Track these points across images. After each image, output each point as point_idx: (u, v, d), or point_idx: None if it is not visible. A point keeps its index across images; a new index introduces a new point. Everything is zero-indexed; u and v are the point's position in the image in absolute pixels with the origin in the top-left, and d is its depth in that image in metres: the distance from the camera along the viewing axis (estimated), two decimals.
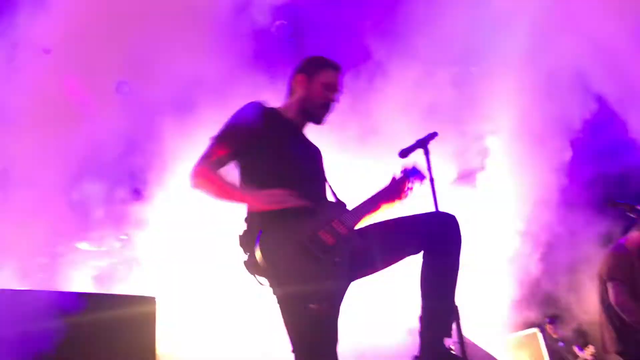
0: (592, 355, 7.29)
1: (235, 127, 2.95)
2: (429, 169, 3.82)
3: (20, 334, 1.77)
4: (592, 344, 7.51)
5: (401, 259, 2.97)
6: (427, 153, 3.90)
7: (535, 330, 7.35)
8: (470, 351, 3.55)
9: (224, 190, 2.86)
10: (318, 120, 3.17)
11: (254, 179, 2.94)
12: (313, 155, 3.17)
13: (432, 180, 3.83)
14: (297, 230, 2.70)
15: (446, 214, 3.04)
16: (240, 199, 2.87)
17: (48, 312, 1.92)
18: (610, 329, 4.68)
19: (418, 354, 2.81)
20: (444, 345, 2.82)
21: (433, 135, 3.94)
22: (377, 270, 2.99)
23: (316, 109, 3.13)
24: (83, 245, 6.81)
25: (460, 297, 3.20)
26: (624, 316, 4.52)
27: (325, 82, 3.09)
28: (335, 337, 2.74)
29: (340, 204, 3.10)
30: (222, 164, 2.96)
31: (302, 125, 3.21)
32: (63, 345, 1.91)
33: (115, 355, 1.87)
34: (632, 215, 4.73)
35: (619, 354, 4.63)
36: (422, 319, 2.87)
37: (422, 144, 3.94)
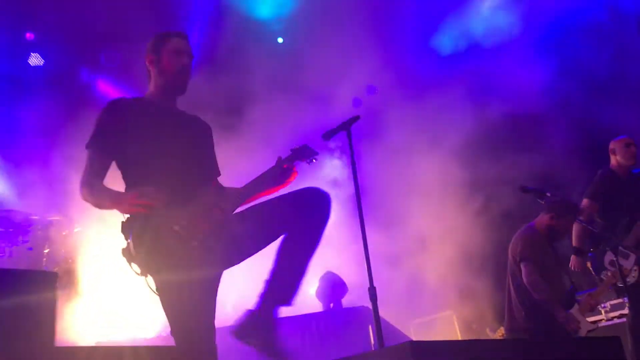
0: (501, 335, 7.65)
1: (100, 129, 2.89)
2: (352, 151, 3.84)
3: None
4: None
5: (276, 238, 2.94)
6: (349, 135, 3.91)
7: (450, 312, 7.62)
8: (386, 332, 3.63)
9: (100, 202, 2.82)
10: (181, 89, 3.05)
11: (129, 177, 2.91)
12: (189, 134, 3.04)
13: (353, 163, 3.86)
14: (172, 218, 2.64)
15: (317, 190, 3.00)
16: (111, 207, 2.77)
17: None
18: (520, 308, 4.89)
19: (254, 310, 2.86)
20: (273, 312, 2.89)
21: (356, 118, 3.95)
22: (255, 252, 2.96)
23: (174, 79, 3.01)
24: None
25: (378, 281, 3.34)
26: (534, 295, 4.74)
27: (172, 49, 3.00)
28: (211, 322, 2.79)
29: (220, 189, 3.10)
30: (104, 169, 2.90)
31: (171, 103, 3.08)
32: None
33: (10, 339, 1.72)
34: (541, 201, 4.96)
35: (528, 331, 4.85)
36: (268, 282, 2.90)
37: (345, 126, 3.95)
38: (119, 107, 2.95)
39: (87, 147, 2.90)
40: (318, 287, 6.77)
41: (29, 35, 7.89)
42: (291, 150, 3.24)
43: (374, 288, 3.67)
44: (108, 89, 8.33)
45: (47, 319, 1.80)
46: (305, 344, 5.70)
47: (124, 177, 2.93)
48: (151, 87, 3.07)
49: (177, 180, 2.82)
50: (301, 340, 5.73)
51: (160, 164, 2.83)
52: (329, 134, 4.01)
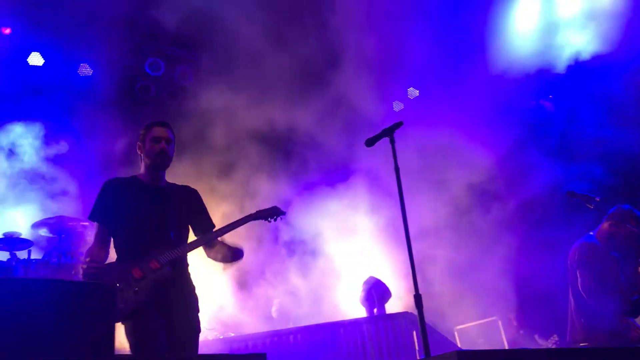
0: (554, 343, 7.46)
1: (97, 204, 3.76)
2: (395, 157, 3.83)
3: None
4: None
5: None
6: (392, 142, 3.90)
7: (494, 318, 7.48)
8: (431, 339, 3.59)
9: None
10: (162, 167, 3.83)
11: (115, 242, 3.76)
12: (167, 205, 3.78)
13: (397, 169, 3.85)
14: (121, 269, 3.55)
15: None
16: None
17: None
18: (579, 317, 4.76)
19: None
20: None
21: (399, 124, 3.94)
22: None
23: (154, 160, 3.78)
24: None
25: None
26: (589, 302, 4.61)
27: (153, 137, 3.80)
28: (159, 349, 3.46)
29: (169, 243, 3.71)
30: (105, 239, 3.74)
31: (155, 180, 3.85)
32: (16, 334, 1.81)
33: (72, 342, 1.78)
34: (590, 206, 4.82)
35: (588, 339, 4.72)
36: None
37: (388, 132, 3.94)
38: (113, 185, 3.80)
39: (89, 219, 3.79)
40: (361, 293, 6.75)
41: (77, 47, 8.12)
42: (257, 210, 4.05)
43: (420, 295, 3.66)
44: (154, 95, 8.55)
45: (106, 330, 1.85)
46: (350, 350, 5.70)
47: (114, 244, 3.75)
48: (141, 168, 3.86)
49: (150, 242, 3.64)
50: (345, 346, 5.72)
51: (137, 231, 3.67)
52: (372, 140, 4.02)
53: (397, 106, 9.23)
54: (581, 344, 4.70)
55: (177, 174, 4.21)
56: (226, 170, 7.96)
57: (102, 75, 8.19)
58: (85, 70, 8.20)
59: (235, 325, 7.15)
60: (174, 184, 3.95)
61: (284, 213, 4.11)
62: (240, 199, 7.55)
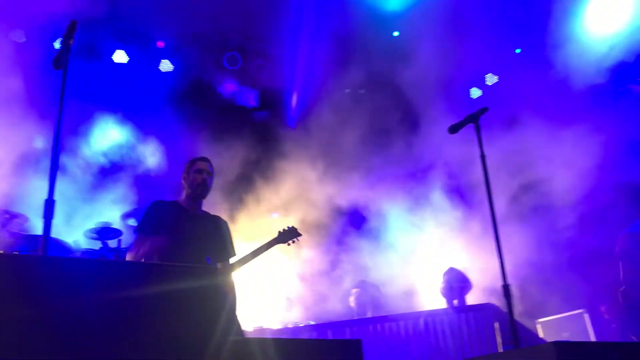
0: None
1: (144, 221, 4.21)
2: (481, 144, 3.73)
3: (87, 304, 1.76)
4: None
5: None
6: (478, 128, 3.81)
7: (581, 311, 7.17)
8: (518, 331, 3.50)
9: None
10: (201, 196, 4.35)
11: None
12: (201, 231, 4.22)
13: (483, 156, 3.75)
14: None
15: None
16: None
17: (118, 283, 1.92)
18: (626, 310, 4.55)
19: None
20: None
21: (484, 110, 3.84)
22: None
23: (195, 189, 4.30)
24: None
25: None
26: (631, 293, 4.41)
27: (196, 169, 4.32)
28: None
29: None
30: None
31: (194, 207, 4.33)
32: (131, 318, 1.89)
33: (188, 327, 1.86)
34: None
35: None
36: None
37: (473, 118, 3.85)
38: (158, 207, 4.25)
39: (137, 232, 4.22)
40: (442, 284, 6.65)
41: (159, 44, 8.42)
42: (278, 232, 4.72)
43: (508, 285, 3.56)
44: (231, 90, 8.73)
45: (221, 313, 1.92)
46: (430, 340, 5.64)
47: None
48: (183, 195, 4.34)
49: (183, 259, 3.97)
50: (425, 337, 5.67)
51: (176, 253, 4.00)
52: (456, 127, 3.93)
53: (475, 93, 9.01)
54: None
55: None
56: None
57: (182, 71, 8.47)
58: (167, 66, 8.50)
59: (314, 314, 7.24)
60: (208, 213, 4.42)
61: (300, 234, 4.84)
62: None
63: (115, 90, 8.09)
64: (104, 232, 6.52)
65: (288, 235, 4.75)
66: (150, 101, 8.17)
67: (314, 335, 5.81)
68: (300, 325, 6.44)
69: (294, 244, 4.88)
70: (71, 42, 3.26)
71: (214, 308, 1.89)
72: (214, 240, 4.30)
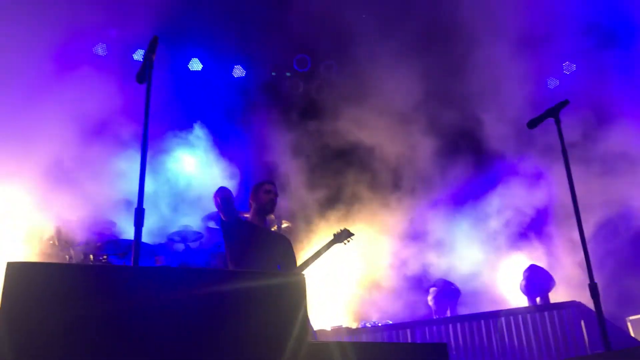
0: None
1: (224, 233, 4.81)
2: (562, 139, 3.62)
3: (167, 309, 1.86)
4: None
5: None
6: (558, 122, 3.70)
7: None
8: (610, 331, 3.37)
9: None
10: (268, 212, 4.96)
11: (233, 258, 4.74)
12: (269, 245, 4.76)
13: (564, 152, 3.64)
14: None
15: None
16: None
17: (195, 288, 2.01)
18: None
19: None
20: None
21: (564, 103, 3.72)
22: None
23: (265, 206, 4.88)
24: None
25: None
26: None
27: (265, 190, 4.90)
28: None
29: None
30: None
31: (262, 222, 4.91)
32: (210, 321, 1.97)
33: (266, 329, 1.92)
34: None
35: None
36: None
37: (553, 112, 3.73)
38: (235, 221, 4.75)
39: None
40: (522, 281, 6.47)
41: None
42: (333, 235, 5.26)
43: (595, 284, 3.45)
44: (302, 91, 8.86)
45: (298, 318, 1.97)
46: (511, 340, 5.49)
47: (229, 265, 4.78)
48: (252, 213, 4.89)
49: (253, 266, 4.56)
50: (507, 336, 5.53)
51: (252, 263, 4.56)
52: (535, 122, 3.83)
53: (552, 83, 8.69)
54: None
55: None
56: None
57: (254, 75, 8.67)
58: (239, 71, 8.72)
59: (392, 313, 7.22)
60: (271, 229, 5.19)
61: (353, 234, 5.32)
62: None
63: (191, 97, 8.37)
64: (186, 235, 6.78)
65: (343, 236, 5.27)
66: (225, 106, 8.40)
67: (392, 334, 5.81)
68: (379, 324, 6.45)
69: (349, 243, 5.35)
70: (153, 56, 3.42)
71: (291, 311, 1.95)
72: (281, 251, 4.87)
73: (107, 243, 6.20)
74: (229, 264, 4.78)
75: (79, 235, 6.02)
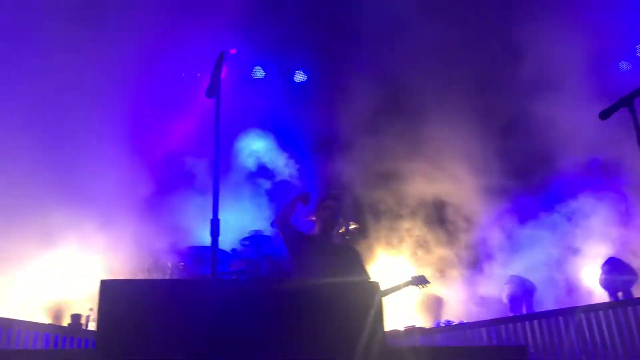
0: None
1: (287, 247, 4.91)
2: (637, 127, 3.47)
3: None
4: None
5: None
6: (633, 111, 3.54)
7: None
8: None
9: None
10: (332, 227, 4.93)
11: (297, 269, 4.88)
12: (333, 259, 4.72)
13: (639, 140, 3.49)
14: None
15: None
16: None
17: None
18: None
19: None
20: None
21: (638, 92, 3.56)
22: None
23: (325, 224, 4.90)
24: None
25: None
26: None
27: (325, 206, 4.95)
28: None
29: None
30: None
31: (326, 238, 4.89)
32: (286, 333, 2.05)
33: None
34: None
35: None
36: None
37: (626, 101, 3.59)
38: (299, 235, 4.92)
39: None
40: (601, 275, 6.23)
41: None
42: (411, 277, 5.68)
43: None
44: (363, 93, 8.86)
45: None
46: (594, 337, 5.28)
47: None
48: (316, 229, 4.96)
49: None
50: (587, 334, 5.32)
51: (308, 275, 4.63)
52: (608, 112, 3.69)
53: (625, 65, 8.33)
54: None
55: None
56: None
57: (315, 79, 8.78)
58: (300, 76, 8.85)
59: (466, 311, 7.14)
60: (339, 242, 5.11)
61: (429, 282, 5.76)
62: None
63: (255, 105, 8.57)
64: (257, 240, 6.96)
65: (419, 281, 5.70)
66: (289, 111, 8.55)
67: (467, 333, 5.73)
68: (453, 322, 6.37)
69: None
70: (221, 72, 3.55)
71: (363, 318, 2.00)
72: (345, 266, 4.86)
73: (185, 249, 6.49)
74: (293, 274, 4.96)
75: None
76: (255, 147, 8.35)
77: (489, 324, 5.72)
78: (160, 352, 1.78)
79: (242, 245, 7.14)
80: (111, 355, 1.73)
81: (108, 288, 1.81)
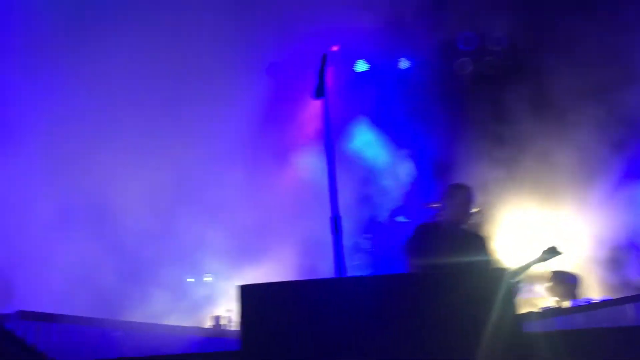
0: None
1: (411, 245, 4.64)
2: None
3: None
4: None
5: None
6: None
7: None
8: None
9: None
10: (462, 223, 4.71)
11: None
12: (462, 248, 4.51)
13: None
14: None
15: None
16: None
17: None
18: None
19: None
20: None
21: None
22: None
23: (458, 217, 4.69)
24: None
25: None
26: None
27: (459, 197, 4.69)
28: None
29: None
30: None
31: (455, 227, 4.66)
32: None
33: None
34: None
35: None
36: None
37: None
38: (422, 230, 4.70)
39: (404, 254, 4.64)
40: None
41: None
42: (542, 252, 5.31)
43: None
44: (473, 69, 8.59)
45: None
46: None
47: None
48: (445, 215, 4.70)
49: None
50: None
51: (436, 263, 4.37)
52: None
53: None
54: None
55: None
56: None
57: (420, 64, 8.64)
58: (404, 63, 8.75)
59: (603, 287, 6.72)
60: (468, 231, 4.81)
61: (561, 252, 5.27)
62: None
63: (363, 99, 8.59)
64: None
65: (551, 252, 5.35)
66: (397, 100, 8.49)
67: (610, 312, 5.36)
68: (593, 300, 6.01)
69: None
70: (326, 72, 3.64)
71: (492, 302, 1.98)
72: (472, 254, 4.66)
73: None
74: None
75: None
76: (367, 141, 8.36)
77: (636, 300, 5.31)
78: (305, 351, 1.87)
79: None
80: (258, 356, 1.84)
81: (247, 292, 1.94)
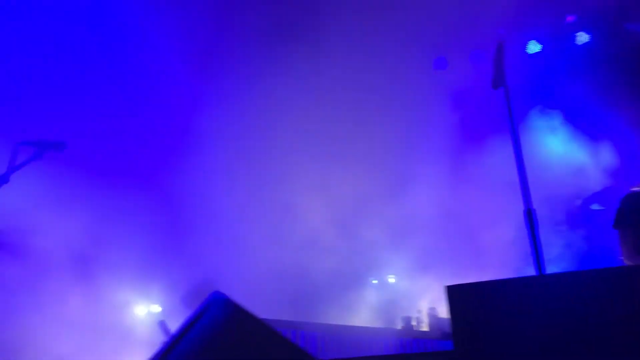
0: None
1: (621, 213, 3.85)
2: None
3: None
4: None
5: None
6: None
7: None
8: None
9: None
10: None
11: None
12: None
13: None
14: None
15: None
16: None
17: None
18: None
19: None
20: None
21: None
22: None
23: None
24: None
25: None
26: None
27: None
28: None
29: None
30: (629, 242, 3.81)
31: None
32: None
33: None
34: None
35: None
36: None
37: None
38: (631, 200, 3.90)
39: (613, 227, 3.86)
40: None
41: (569, 18, 8.13)
42: None
43: None
44: None
45: None
46: None
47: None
48: None
49: None
50: None
51: None
52: None
53: None
54: None
55: None
56: None
57: (599, 37, 7.93)
58: (582, 37, 8.08)
59: None
60: None
61: None
62: None
63: (540, 83, 8.10)
64: None
65: None
66: (577, 80, 7.87)
67: None
68: None
69: None
70: (503, 61, 3.48)
71: None
72: None
73: None
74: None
75: None
76: (551, 127, 7.82)
77: None
78: (522, 349, 1.82)
79: None
80: (470, 355, 1.83)
81: (453, 293, 1.93)
